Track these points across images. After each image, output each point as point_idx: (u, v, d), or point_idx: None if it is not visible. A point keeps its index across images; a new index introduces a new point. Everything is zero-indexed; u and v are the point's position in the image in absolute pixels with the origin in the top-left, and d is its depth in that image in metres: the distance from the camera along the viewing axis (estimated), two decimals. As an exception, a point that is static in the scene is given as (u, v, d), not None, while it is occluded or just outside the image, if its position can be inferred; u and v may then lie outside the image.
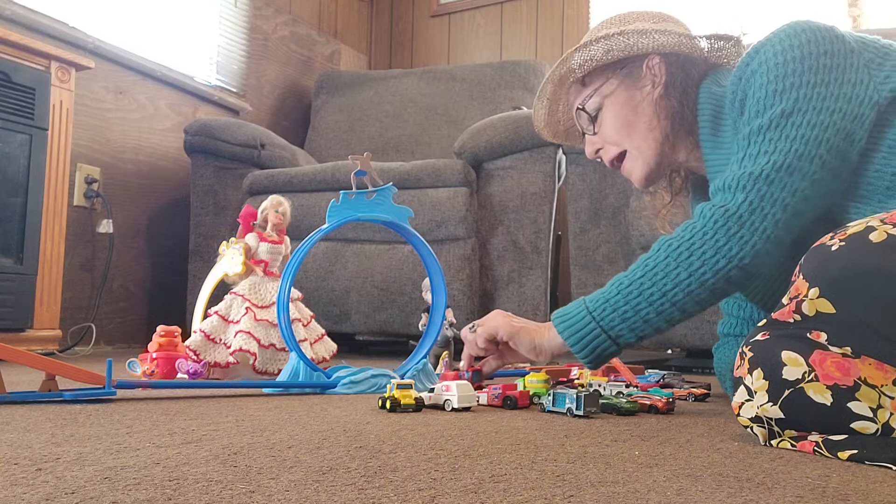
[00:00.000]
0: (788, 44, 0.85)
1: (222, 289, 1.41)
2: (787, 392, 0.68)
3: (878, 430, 0.65)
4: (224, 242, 1.43)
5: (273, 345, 1.30)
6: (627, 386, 1.09)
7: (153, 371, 1.29)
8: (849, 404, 0.66)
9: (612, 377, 1.21)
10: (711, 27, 1.04)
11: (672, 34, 0.98)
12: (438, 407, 0.96)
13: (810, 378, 0.67)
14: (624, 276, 0.90)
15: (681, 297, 0.86)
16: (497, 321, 1.03)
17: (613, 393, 1.06)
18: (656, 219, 1.16)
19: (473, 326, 1.06)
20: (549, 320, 0.97)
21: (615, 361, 1.27)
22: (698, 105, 0.99)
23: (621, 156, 1.05)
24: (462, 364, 1.11)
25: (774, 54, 0.85)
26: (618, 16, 1.07)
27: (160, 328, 1.34)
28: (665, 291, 0.86)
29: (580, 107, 1.05)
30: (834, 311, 0.68)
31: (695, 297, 0.86)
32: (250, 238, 1.39)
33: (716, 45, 1.01)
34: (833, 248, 0.70)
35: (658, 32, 0.97)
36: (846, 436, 0.67)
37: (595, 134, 1.06)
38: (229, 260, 1.38)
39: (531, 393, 1.04)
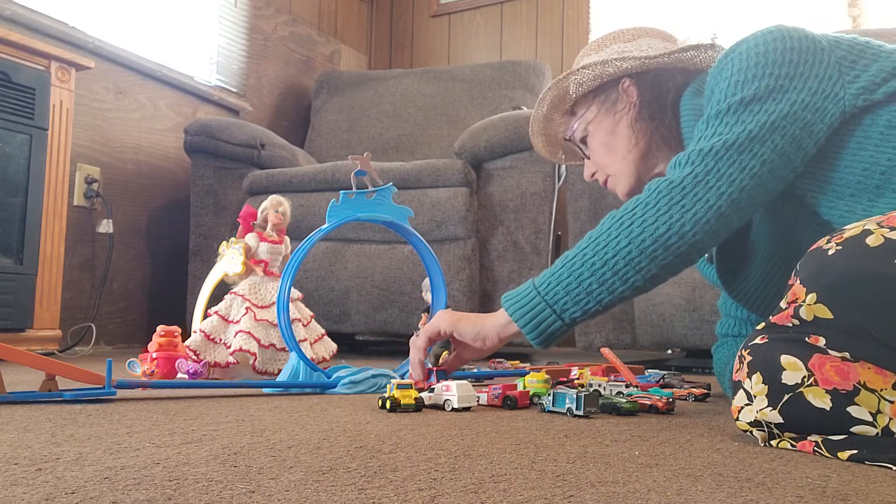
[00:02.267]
0: (754, 43, 0.87)
1: (222, 289, 1.41)
2: (786, 397, 0.68)
3: (877, 434, 0.65)
4: (224, 242, 1.43)
5: (273, 345, 1.30)
6: (627, 386, 1.09)
7: (153, 371, 1.29)
8: (848, 409, 0.65)
9: (611, 377, 1.21)
10: (684, 34, 1.09)
11: (635, 59, 1.01)
12: (438, 407, 0.96)
13: (809, 382, 0.67)
14: (570, 251, 0.90)
15: (622, 265, 0.85)
16: (437, 318, 1.02)
17: (613, 393, 1.06)
18: None
19: (419, 332, 1.05)
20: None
21: (615, 361, 1.27)
22: (681, 115, 1.01)
23: (608, 178, 1.10)
24: (415, 374, 1.06)
25: (741, 52, 0.88)
26: (596, 41, 1.11)
27: (160, 328, 1.34)
28: (606, 260, 0.86)
29: (566, 137, 1.12)
30: (832, 317, 0.67)
31: (635, 266, 0.85)
32: (250, 238, 1.39)
33: (688, 55, 1.03)
34: (830, 253, 0.70)
35: (621, 59, 1.01)
36: (846, 436, 0.66)
37: (589, 158, 1.11)
38: (229, 260, 1.38)
39: (531, 393, 1.04)
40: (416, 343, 1.04)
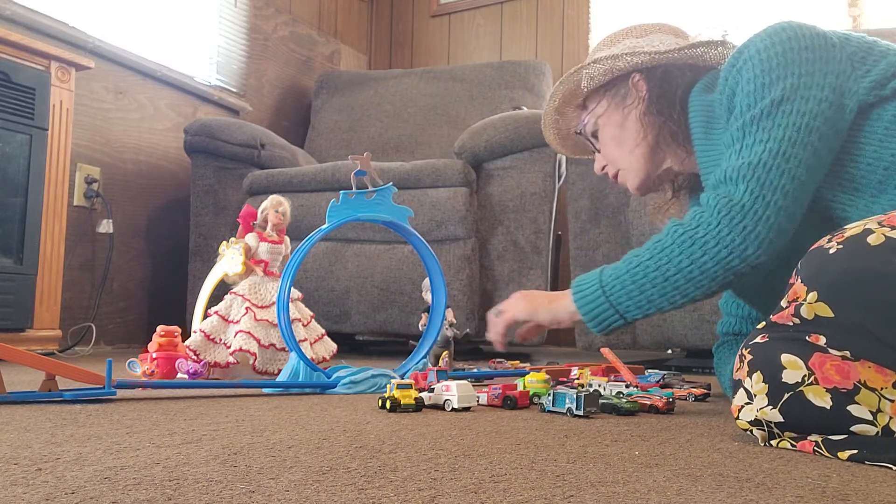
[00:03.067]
0: (770, 41, 0.87)
1: (222, 289, 1.41)
2: (786, 395, 0.68)
3: (877, 433, 0.65)
4: (224, 242, 1.43)
5: (273, 345, 1.30)
6: (627, 386, 1.09)
7: (153, 371, 1.29)
8: (848, 408, 0.65)
9: (611, 377, 1.21)
10: (695, 31, 1.09)
11: (646, 54, 1.02)
12: (438, 407, 0.96)
13: (810, 381, 0.67)
14: (635, 255, 0.92)
15: (682, 283, 0.88)
16: (514, 306, 1.05)
17: (614, 393, 1.06)
18: (658, 213, 1.19)
19: (498, 312, 1.08)
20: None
21: (615, 361, 1.27)
22: (689, 110, 1.02)
23: (617, 171, 1.11)
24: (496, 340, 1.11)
25: (758, 51, 0.88)
26: (609, 36, 1.11)
27: (160, 328, 1.34)
28: (668, 277, 0.88)
29: (577, 131, 1.13)
30: (832, 315, 0.67)
31: (696, 284, 0.88)
32: (250, 238, 1.39)
33: (698, 52, 1.03)
34: (831, 252, 0.70)
35: (632, 54, 1.02)
36: (846, 436, 0.66)
37: (599, 152, 1.12)
38: (229, 260, 1.38)
39: (531, 393, 1.04)
40: (497, 331, 1.08)
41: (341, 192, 1.21)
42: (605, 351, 1.33)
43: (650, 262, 0.90)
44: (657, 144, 1.05)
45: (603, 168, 1.13)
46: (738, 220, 0.84)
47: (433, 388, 0.98)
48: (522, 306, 1.04)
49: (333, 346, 1.42)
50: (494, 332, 1.08)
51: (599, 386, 1.11)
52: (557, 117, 1.17)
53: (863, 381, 0.65)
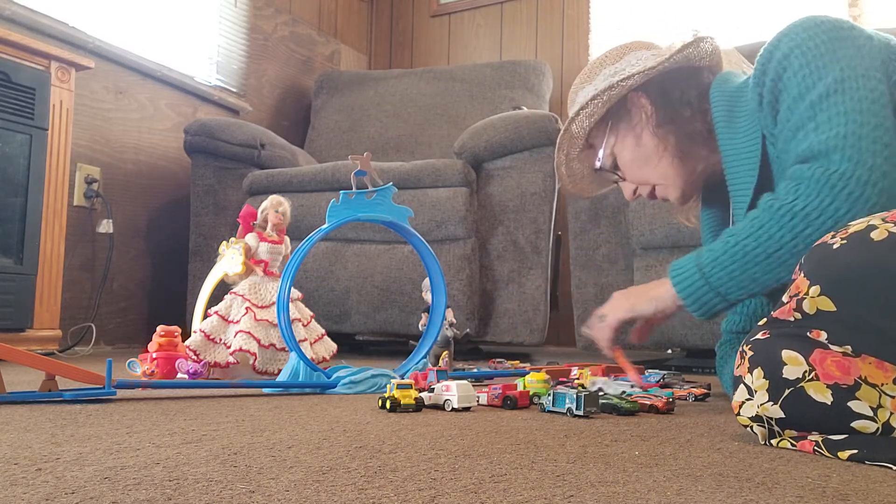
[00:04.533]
0: (813, 32, 0.89)
1: (222, 289, 1.41)
2: (787, 391, 0.68)
3: (878, 429, 0.65)
4: (224, 242, 1.43)
5: (273, 345, 1.30)
6: (632, 386, 1.09)
7: (153, 371, 1.29)
8: (849, 403, 0.66)
9: (612, 377, 1.21)
10: (668, 41, 1.11)
11: (638, 74, 1.02)
12: (438, 407, 0.96)
13: (810, 377, 0.67)
14: (731, 235, 0.90)
15: (786, 256, 0.86)
16: (615, 306, 1.04)
17: (619, 392, 1.06)
18: (679, 213, 1.20)
19: (601, 317, 1.07)
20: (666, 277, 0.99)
21: (624, 363, 1.27)
22: (712, 104, 1.03)
23: (654, 189, 1.10)
24: (609, 352, 1.09)
25: (803, 40, 0.89)
26: (585, 71, 1.12)
27: (160, 328, 1.34)
28: (770, 253, 0.86)
29: (597, 168, 1.12)
30: (835, 310, 0.68)
31: (801, 255, 0.85)
32: (250, 238, 1.39)
33: (686, 54, 1.04)
34: (835, 247, 0.70)
35: (626, 78, 1.03)
36: (846, 435, 0.67)
37: (625, 179, 1.12)
38: (229, 260, 1.38)
39: (531, 393, 1.04)
40: (604, 336, 1.06)
41: (341, 192, 1.21)
42: (616, 353, 1.32)
43: (749, 240, 0.88)
44: (680, 150, 1.05)
45: (635, 192, 1.12)
46: (840, 187, 0.82)
47: (433, 388, 0.98)
48: (622, 304, 1.03)
49: (333, 346, 1.42)
50: (602, 338, 1.07)
51: (605, 385, 1.11)
52: (568, 166, 1.16)
53: (863, 377, 0.65)
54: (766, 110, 0.94)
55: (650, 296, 1.00)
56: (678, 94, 1.04)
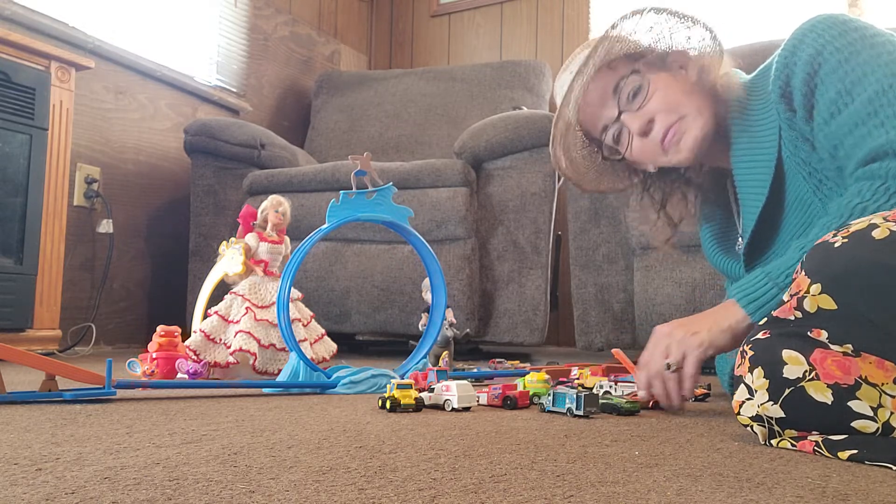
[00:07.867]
0: (838, 31, 0.90)
1: (222, 289, 1.41)
2: (787, 391, 0.68)
3: (878, 428, 0.65)
4: (224, 242, 1.43)
5: (273, 345, 1.30)
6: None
7: (153, 371, 1.29)
8: (849, 403, 0.66)
9: (611, 377, 1.21)
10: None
11: (701, 39, 1.01)
12: (438, 407, 0.96)
13: (811, 377, 0.67)
14: (801, 248, 0.85)
15: None
16: (685, 351, 0.90)
17: (625, 393, 1.06)
18: (663, 247, 1.17)
19: (673, 367, 0.91)
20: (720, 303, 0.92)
21: (626, 363, 1.26)
22: (730, 92, 1.01)
23: (675, 123, 0.99)
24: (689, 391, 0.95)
25: (833, 37, 0.89)
26: (577, 52, 1.04)
27: (160, 328, 1.34)
28: None
29: (624, 80, 1.00)
30: (836, 308, 0.68)
31: None
32: (250, 238, 1.39)
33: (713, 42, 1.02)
34: (836, 245, 0.70)
35: (690, 33, 1.00)
36: (846, 436, 0.67)
37: (639, 109, 0.99)
38: (229, 260, 1.38)
39: (531, 393, 1.04)
40: (687, 388, 0.93)
41: (341, 192, 1.21)
42: (616, 352, 1.32)
43: None
44: (714, 103, 0.99)
45: (648, 122, 0.99)
46: None
47: (433, 388, 0.98)
48: (690, 343, 0.89)
49: (333, 346, 1.42)
50: (687, 389, 0.93)
51: (610, 387, 1.10)
52: (564, 143, 1.04)
53: (864, 377, 0.65)
54: (799, 103, 0.91)
55: (723, 326, 0.88)
56: (713, 72, 1.00)
